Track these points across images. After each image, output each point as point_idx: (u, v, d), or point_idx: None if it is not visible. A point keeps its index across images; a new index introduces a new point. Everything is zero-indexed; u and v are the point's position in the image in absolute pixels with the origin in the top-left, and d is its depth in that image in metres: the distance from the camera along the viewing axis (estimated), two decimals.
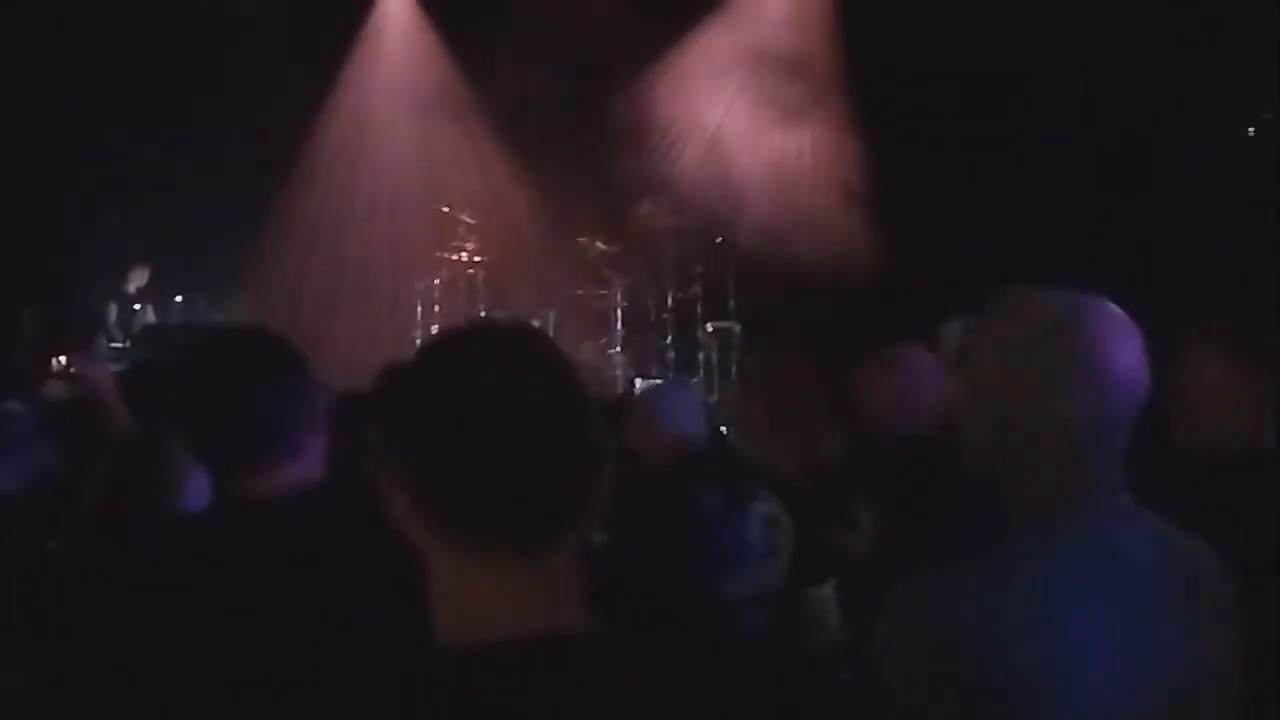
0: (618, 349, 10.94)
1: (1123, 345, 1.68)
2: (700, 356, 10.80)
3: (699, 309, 10.90)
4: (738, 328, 10.85)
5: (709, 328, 10.87)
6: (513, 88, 11.00)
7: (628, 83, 11.26)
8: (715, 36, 11.46)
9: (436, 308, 11.19)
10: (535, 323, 10.83)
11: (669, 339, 10.94)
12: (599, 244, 10.89)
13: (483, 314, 11.15)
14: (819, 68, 11.09)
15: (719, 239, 10.73)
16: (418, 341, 11.20)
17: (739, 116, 11.26)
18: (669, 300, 10.93)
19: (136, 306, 10.72)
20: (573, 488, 1.36)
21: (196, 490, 2.46)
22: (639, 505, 2.86)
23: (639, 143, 11.21)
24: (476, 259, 11.11)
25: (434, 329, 11.25)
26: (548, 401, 1.35)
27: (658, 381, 4.17)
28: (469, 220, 11.07)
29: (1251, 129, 8.31)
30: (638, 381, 9.88)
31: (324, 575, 2.01)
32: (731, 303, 10.89)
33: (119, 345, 10.50)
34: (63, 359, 8.27)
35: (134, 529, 2.36)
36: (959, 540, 1.75)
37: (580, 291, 11.03)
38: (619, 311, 10.94)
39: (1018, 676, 1.57)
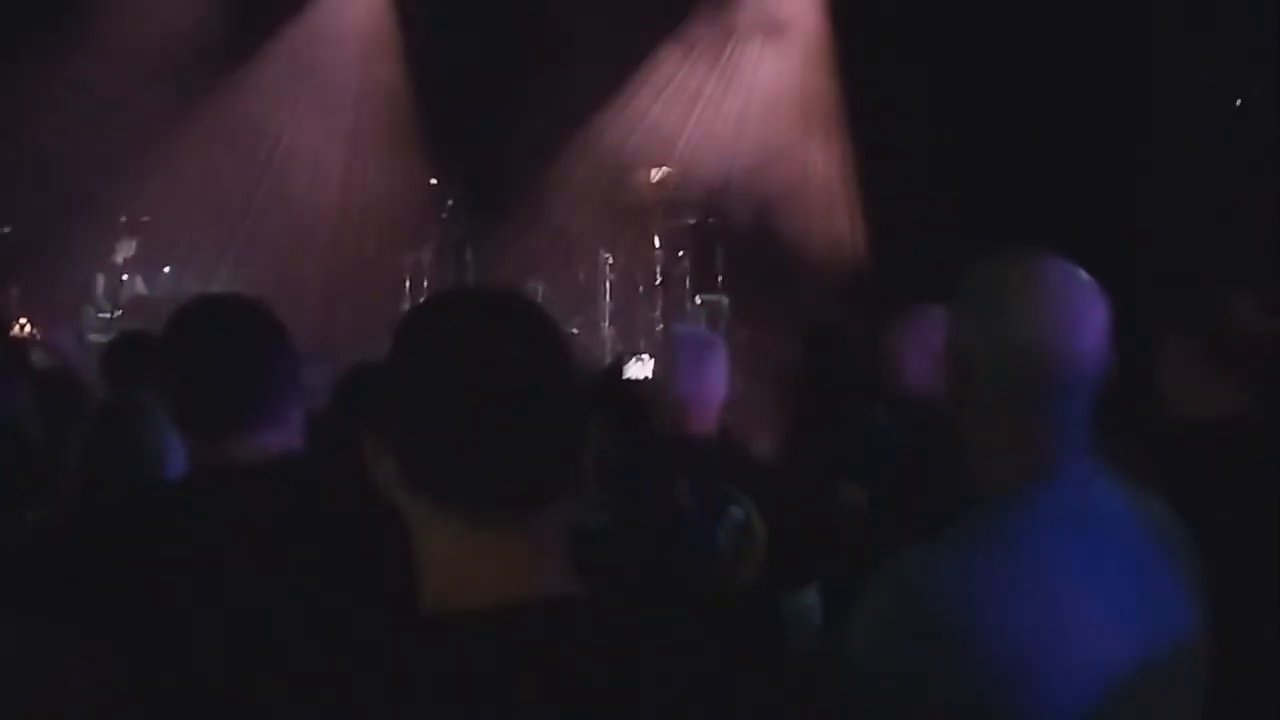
0: (606, 322, 10.93)
1: (1087, 305, 1.73)
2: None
3: (687, 281, 10.89)
4: (726, 301, 10.84)
5: (697, 300, 10.86)
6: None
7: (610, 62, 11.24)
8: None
9: (425, 280, 11.18)
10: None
11: (658, 312, 10.91)
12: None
13: (471, 283, 11.15)
14: (815, 47, 11.07)
15: (709, 216, 10.71)
16: (406, 310, 11.20)
17: (726, 95, 11.24)
18: (658, 273, 10.91)
19: (124, 277, 10.68)
20: (559, 452, 1.37)
21: (176, 458, 2.45)
22: (619, 492, 2.87)
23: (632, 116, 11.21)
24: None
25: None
26: (533, 366, 1.36)
27: (687, 336, 4.04)
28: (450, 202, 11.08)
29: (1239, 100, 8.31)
30: (633, 361, 9.83)
31: (308, 541, 2.00)
32: (720, 276, 10.88)
33: (107, 316, 10.46)
34: (24, 323, 8.26)
35: (114, 497, 2.35)
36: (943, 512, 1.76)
37: (569, 263, 11.02)
38: (607, 285, 10.92)
39: (1010, 648, 1.58)
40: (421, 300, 1.46)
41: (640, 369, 8.05)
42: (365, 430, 1.39)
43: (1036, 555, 1.65)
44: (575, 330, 10.75)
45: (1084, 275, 1.77)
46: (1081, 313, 1.72)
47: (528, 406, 1.34)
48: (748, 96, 11.19)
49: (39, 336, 8.12)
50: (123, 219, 10.69)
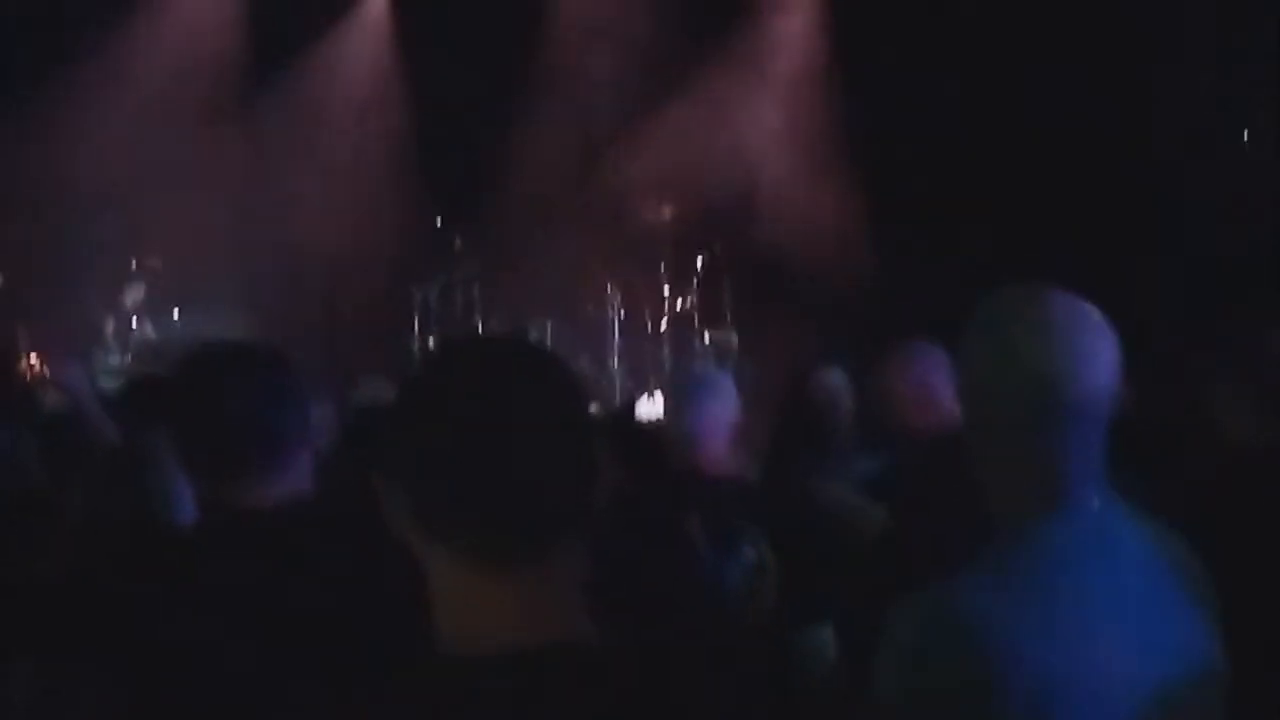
0: (614, 359, 10.93)
1: (1097, 337, 1.76)
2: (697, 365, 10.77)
3: (695, 318, 10.89)
4: (734, 337, 10.84)
5: (706, 336, 10.86)
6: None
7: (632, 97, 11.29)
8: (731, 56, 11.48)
9: (433, 318, 11.21)
10: (532, 334, 10.89)
11: (666, 349, 10.91)
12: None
13: (479, 324, 11.19)
14: (817, 82, 11.09)
15: (715, 249, 10.72)
16: (415, 349, 11.25)
17: (741, 130, 11.24)
18: (666, 309, 10.92)
19: (134, 321, 10.71)
20: (570, 497, 1.37)
21: (185, 502, 2.45)
22: (633, 529, 2.87)
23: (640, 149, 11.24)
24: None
25: (431, 340, 11.29)
26: (544, 412, 1.37)
27: (699, 376, 4.05)
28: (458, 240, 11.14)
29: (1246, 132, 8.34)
30: (643, 399, 9.81)
31: (318, 585, 1.99)
32: (728, 311, 10.88)
33: (116, 360, 10.49)
34: (33, 358, 8.27)
35: (122, 542, 2.35)
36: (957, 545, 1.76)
37: (577, 301, 11.03)
38: (615, 322, 10.93)
39: (1034, 684, 1.59)
40: (432, 347, 1.47)
41: (652, 407, 8.05)
42: (378, 474, 1.40)
43: (1057, 590, 1.66)
44: (583, 367, 10.75)
45: (1092, 309, 1.79)
46: (1091, 345, 1.74)
47: (538, 453, 1.35)
48: (753, 129, 11.19)
49: (48, 373, 8.12)
50: (133, 262, 10.73)
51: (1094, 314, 1.79)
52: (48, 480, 3.65)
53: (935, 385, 3.58)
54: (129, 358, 10.52)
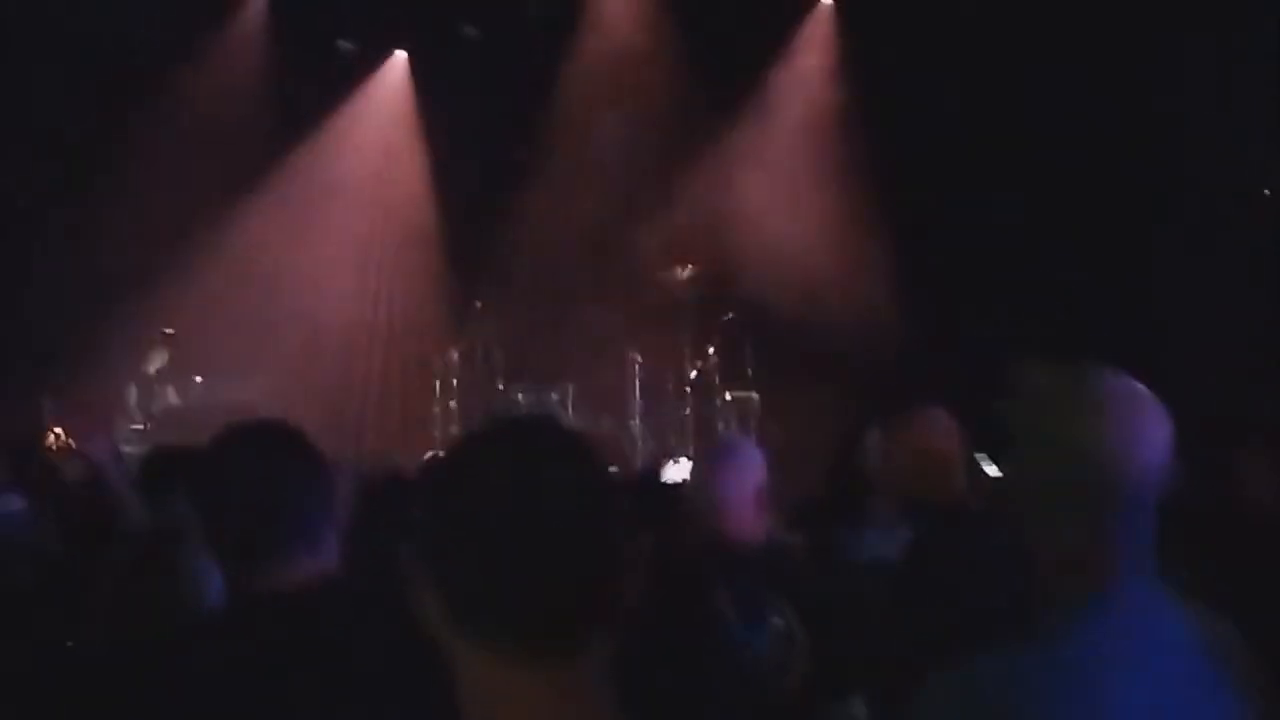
0: (636, 420, 10.91)
1: (1151, 419, 1.74)
2: (720, 426, 10.75)
3: (717, 378, 10.88)
4: (756, 397, 10.81)
5: (727, 396, 10.84)
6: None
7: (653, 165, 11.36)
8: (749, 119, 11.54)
9: (455, 381, 11.23)
10: (554, 395, 10.88)
11: (688, 409, 10.89)
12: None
13: (500, 388, 11.20)
14: (840, 143, 11.11)
15: (731, 314, 10.71)
16: (436, 412, 11.27)
17: (762, 189, 11.25)
18: (687, 371, 10.90)
19: (156, 388, 10.75)
20: (604, 590, 1.36)
21: (213, 583, 2.44)
22: (661, 602, 2.83)
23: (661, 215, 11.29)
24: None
25: (452, 404, 11.31)
26: (576, 506, 1.35)
27: (724, 442, 4.03)
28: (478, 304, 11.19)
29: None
30: (669, 465, 9.73)
31: (345, 673, 1.98)
32: (750, 371, 10.87)
33: (139, 427, 10.52)
34: (59, 430, 8.29)
35: (153, 629, 2.33)
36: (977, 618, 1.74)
37: (598, 362, 11.02)
38: (637, 383, 10.93)
39: None
40: (459, 437, 1.47)
41: (678, 471, 7.99)
42: (408, 568, 1.38)
43: (1100, 677, 1.63)
44: (604, 428, 10.73)
45: (1142, 389, 1.77)
46: (1145, 426, 1.73)
47: (571, 548, 1.33)
48: (775, 188, 11.20)
49: (74, 446, 8.13)
50: (155, 330, 10.80)
51: (1145, 393, 1.77)
52: (67, 556, 3.65)
53: (942, 454, 3.52)
54: (151, 424, 10.55)
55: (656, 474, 6.51)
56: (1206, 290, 8.12)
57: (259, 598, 2.09)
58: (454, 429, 11.19)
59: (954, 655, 1.70)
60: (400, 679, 1.89)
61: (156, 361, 10.74)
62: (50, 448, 7.90)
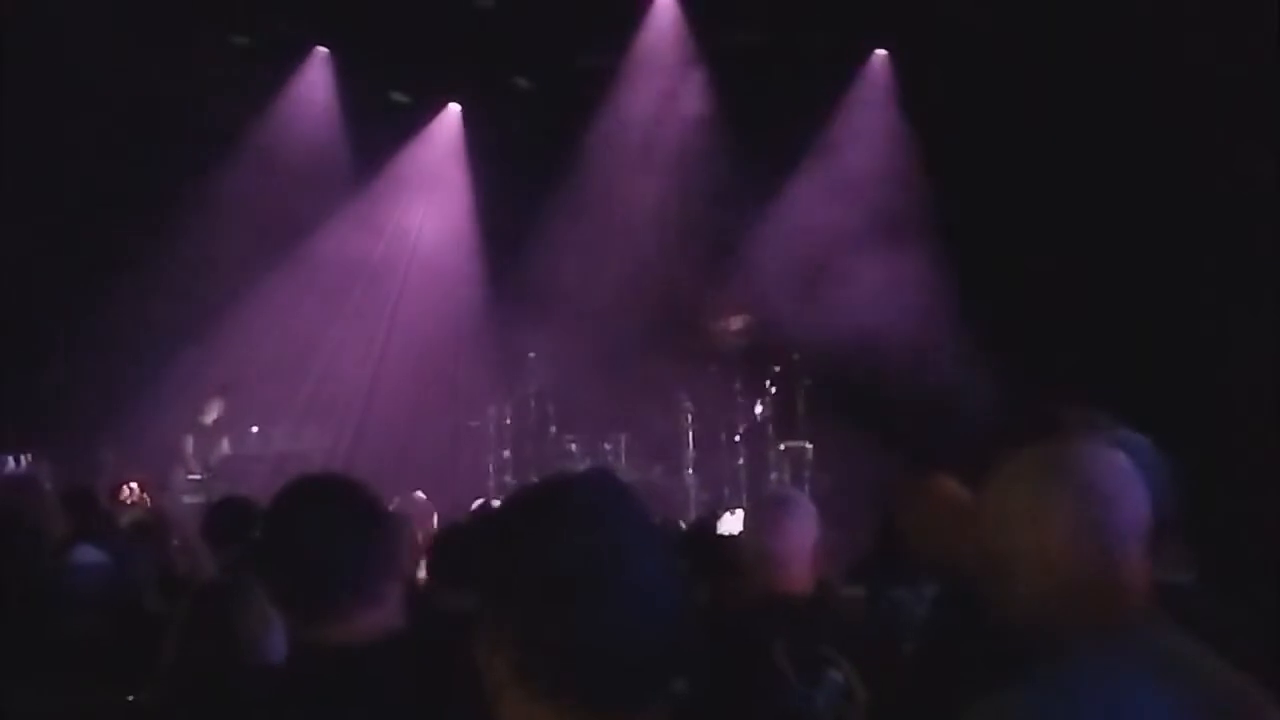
0: (689, 470, 10.89)
1: (1123, 483, 1.86)
2: (772, 476, 10.70)
3: (770, 428, 10.84)
4: (809, 447, 10.76)
5: (781, 447, 10.80)
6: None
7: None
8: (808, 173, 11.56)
9: (508, 430, 11.28)
10: (607, 445, 10.89)
11: (741, 460, 10.85)
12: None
13: (553, 437, 11.22)
14: (895, 193, 11.06)
15: (795, 356, 10.68)
16: (489, 461, 11.31)
17: (815, 240, 11.21)
18: (739, 420, 10.87)
19: (213, 439, 10.87)
20: (674, 646, 1.37)
21: (276, 637, 2.45)
22: (717, 656, 2.82)
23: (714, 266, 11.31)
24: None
25: (505, 453, 11.35)
26: (649, 564, 1.36)
27: (778, 494, 4.05)
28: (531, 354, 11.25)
29: None
30: (726, 516, 9.67)
31: None
32: (802, 421, 10.82)
33: (197, 477, 10.64)
34: (134, 485, 8.39)
35: (217, 683, 2.35)
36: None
37: (650, 412, 11.02)
38: (690, 433, 10.91)
39: None
40: (524, 496, 1.46)
41: (734, 523, 7.93)
42: (477, 630, 1.38)
43: (1115, 710, 1.67)
44: (657, 479, 10.71)
45: (1119, 457, 1.90)
46: (1118, 489, 1.84)
47: (656, 606, 1.35)
48: (830, 239, 11.15)
49: (149, 502, 8.19)
50: (212, 382, 10.93)
51: (1123, 463, 1.89)
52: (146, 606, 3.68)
53: (948, 517, 3.47)
54: (208, 474, 10.67)
55: (712, 526, 6.47)
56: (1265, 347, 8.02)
57: (321, 650, 2.10)
58: (507, 478, 11.23)
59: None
60: None
61: (213, 412, 10.87)
62: (124, 501, 7.99)
